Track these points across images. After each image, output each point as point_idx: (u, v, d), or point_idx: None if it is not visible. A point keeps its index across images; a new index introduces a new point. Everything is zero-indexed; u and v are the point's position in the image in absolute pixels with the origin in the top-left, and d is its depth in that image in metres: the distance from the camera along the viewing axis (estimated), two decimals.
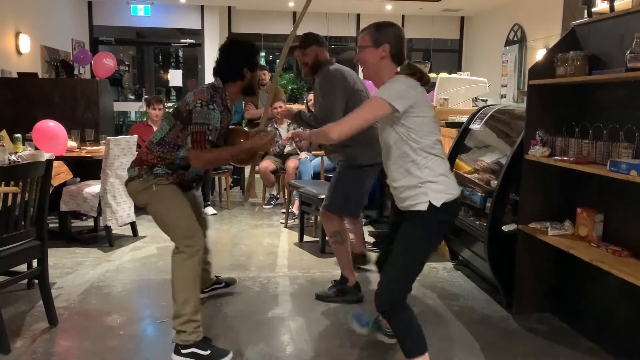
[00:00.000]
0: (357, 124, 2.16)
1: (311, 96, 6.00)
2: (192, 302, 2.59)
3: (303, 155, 5.69)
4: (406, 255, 2.22)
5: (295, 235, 4.90)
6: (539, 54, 7.84)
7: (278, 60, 12.71)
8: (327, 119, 3.07)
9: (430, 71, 7.59)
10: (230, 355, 2.62)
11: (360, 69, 2.48)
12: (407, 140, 2.18)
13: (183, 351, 2.57)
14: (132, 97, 11.17)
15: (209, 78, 8.29)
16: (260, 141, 2.77)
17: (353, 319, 2.81)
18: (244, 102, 6.96)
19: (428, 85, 2.32)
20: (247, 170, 6.97)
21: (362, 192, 3.46)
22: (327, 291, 3.46)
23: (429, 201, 2.16)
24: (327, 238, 3.46)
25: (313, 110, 3.60)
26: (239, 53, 2.79)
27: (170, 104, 7.69)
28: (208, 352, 2.57)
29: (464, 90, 5.69)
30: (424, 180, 2.18)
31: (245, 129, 3.07)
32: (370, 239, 4.79)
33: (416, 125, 2.16)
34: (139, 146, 5.49)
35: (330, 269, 4.01)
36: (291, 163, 5.69)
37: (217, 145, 2.75)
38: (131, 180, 2.76)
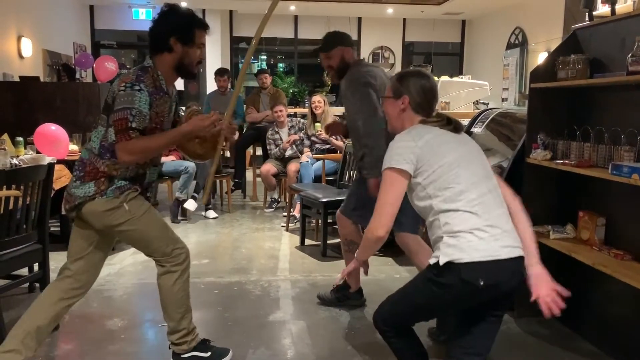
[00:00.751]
0: (389, 211, 1.91)
1: (317, 98, 5.98)
2: (188, 315, 2.53)
3: (304, 158, 5.69)
4: (403, 293, 2.03)
5: (296, 239, 4.90)
6: (540, 57, 7.85)
7: (281, 65, 12.74)
8: (370, 138, 2.86)
9: (431, 70, 7.60)
10: (231, 353, 2.62)
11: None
12: (422, 198, 1.94)
13: (183, 356, 2.54)
14: None
15: (210, 81, 8.31)
16: (200, 122, 2.36)
17: None
18: (245, 105, 6.98)
19: (459, 129, 2.06)
20: (250, 173, 6.99)
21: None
22: (329, 295, 3.43)
23: (439, 257, 1.83)
24: (342, 243, 3.33)
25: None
26: (167, 21, 2.33)
27: None
28: (208, 353, 2.56)
29: (465, 94, 5.70)
30: (441, 234, 1.87)
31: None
32: None
33: (428, 181, 1.90)
34: None
35: (331, 272, 4.01)
36: (292, 166, 5.69)
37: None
38: (90, 200, 2.24)
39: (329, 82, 10.48)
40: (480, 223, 1.83)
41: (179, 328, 2.49)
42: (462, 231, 1.83)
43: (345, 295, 3.37)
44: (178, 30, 2.31)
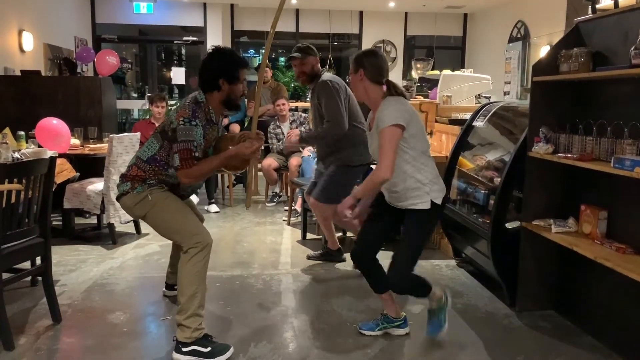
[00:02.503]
0: (392, 157, 2.49)
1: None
2: (199, 296, 2.60)
3: (306, 152, 5.68)
4: (414, 246, 2.66)
5: (298, 233, 4.90)
6: (543, 51, 7.82)
7: (282, 59, 12.72)
8: (338, 119, 3.62)
9: (433, 68, 7.60)
10: (231, 350, 2.63)
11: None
12: (405, 149, 2.55)
13: (184, 349, 2.56)
14: (135, 95, 11.18)
15: None
16: (245, 150, 2.73)
17: (363, 328, 2.93)
18: (246, 100, 6.96)
19: (409, 97, 2.69)
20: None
21: (351, 189, 3.55)
22: (316, 254, 4.19)
23: (431, 200, 2.59)
24: (319, 218, 4.03)
25: (312, 126, 3.96)
26: (216, 63, 2.75)
27: (172, 102, 7.69)
28: (209, 348, 2.57)
29: (467, 88, 5.68)
30: (425, 182, 2.59)
31: (233, 134, 3.10)
32: None
33: (410, 136, 2.54)
34: (141, 143, 5.51)
35: (333, 267, 4.02)
36: (294, 161, 5.69)
37: (205, 156, 2.78)
38: (124, 195, 2.75)
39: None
40: (437, 171, 2.67)
41: (188, 306, 2.57)
42: (434, 180, 2.61)
43: (328, 252, 4.12)
44: (225, 72, 2.72)
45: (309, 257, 4.20)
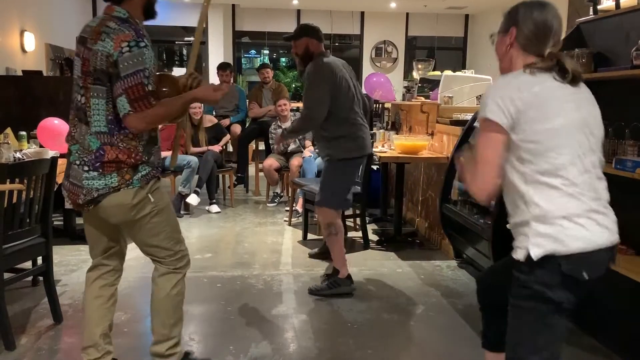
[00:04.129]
0: (492, 171, 1.61)
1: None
2: (181, 323, 2.36)
3: (307, 153, 5.69)
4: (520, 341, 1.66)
5: (299, 233, 4.90)
6: None
7: (284, 59, 12.71)
8: (310, 110, 3.32)
9: (434, 69, 7.58)
10: None
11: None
12: (515, 163, 1.61)
13: None
14: None
15: (213, 76, 8.30)
16: (208, 93, 2.17)
17: None
18: (247, 100, 6.97)
19: (577, 80, 1.65)
20: (252, 168, 7.00)
21: (352, 183, 3.61)
22: (320, 285, 3.52)
23: (527, 249, 1.56)
24: (323, 232, 3.62)
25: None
26: None
27: None
28: None
29: (469, 88, 5.67)
30: (528, 219, 1.59)
31: (172, 74, 2.54)
32: (374, 237, 4.78)
33: (530, 141, 1.55)
34: None
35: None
36: (295, 161, 5.69)
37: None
38: (114, 192, 2.05)
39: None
40: (581, 208, 1.56)
41: (171, 336, 2.31)
42: (559, 217, 1.54)
43: (336, 281, 3.49)
44: None
45: (310, 291, 3.54)
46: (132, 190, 2.09)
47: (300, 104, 9.00)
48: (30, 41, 7.07)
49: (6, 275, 2.74)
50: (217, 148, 5.98)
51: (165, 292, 2.28)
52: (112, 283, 2.38)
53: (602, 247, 1.58)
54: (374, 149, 4.70)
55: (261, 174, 6.29)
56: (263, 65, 7.02)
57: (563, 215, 1.54)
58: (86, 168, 2.05)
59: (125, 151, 2.05)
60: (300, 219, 5.04)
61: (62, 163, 4.24)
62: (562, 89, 1.61)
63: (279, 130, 6.04)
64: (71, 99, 2.14)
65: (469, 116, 4.29)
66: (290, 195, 5.51)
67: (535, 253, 1.53)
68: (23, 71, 6.51)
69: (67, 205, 4.44)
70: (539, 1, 1.75)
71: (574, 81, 1.63)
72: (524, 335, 1.62)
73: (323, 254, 4.13)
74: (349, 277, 3.51)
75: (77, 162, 2.08)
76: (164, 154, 5.60)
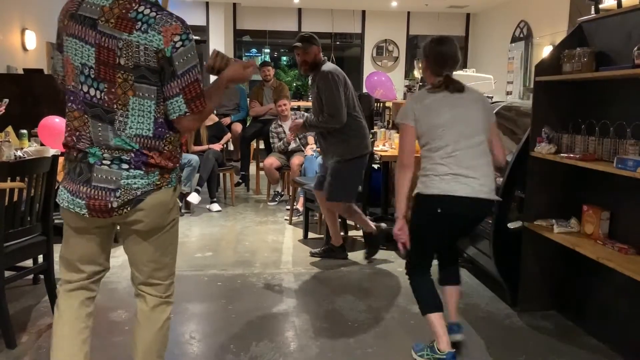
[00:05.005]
0: (407, 152, 2.53)
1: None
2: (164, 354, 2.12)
3: (308, 152, 5.68)
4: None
5: (299, 232, 4.90)
6: (545, 51, 7.81)
7: (285, 58, 12.71)
8: (337, 112, 3.67)
9: None
10: None
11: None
12: (421, 144, 2.56)
13: None
14: None
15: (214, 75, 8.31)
16: (239, 72, 1.98)
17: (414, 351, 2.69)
18: (248, 99, 6.96)
19: (461, 91, 2.54)
20: (253, 167, 6.99)
21: (361, 179, 4.05)
22: (319, 250, 4.19)
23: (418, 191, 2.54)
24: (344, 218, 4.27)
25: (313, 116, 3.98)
26: None
27: None
28: None
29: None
30: (419, 175, 2.56)
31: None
32: None
33: (424, 132, 2.51)
34: None
35: (335, 266, 4.02)
36: (296, 160, 5.69)
37: None
38: (156, 190, 1.84)
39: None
40: (446, 170, 2.44)
41: None
42: (431, 174, 2.47)
43: (331, 248, 4.15)
44: None
45: (312, 254, 4.22)
46: (171, 190, 1.89)
47: (301, 103, 9.03)
48: (31, 39, 7.07)
49: (7, 274, 2.74)
50: (217, 147, 5.98)
51: (160, 324, 2.01)
52: (92, 314, 2.02)
53: (458, 195, 2.42)
54: (375, 148, 4.71)
55: (262, 172, 6.29)
56: (264, 64, 7.01)
57: (434, 173, 2.46)
58: (126, 166, 1.78)
59: (167, 155, 1.85)
60: (301, 218, 5.04)
61: (63, 161, 4.25)
62: (446, 98, 2.51)
63: (280, 129, 6.04)
64: (68, 90, 1.83)
65: None
66: (291, 194, 5.51)
67: (416, 190, 2.55)
68: (24, 69, 6.50)
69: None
70: (439, 38, 2.61)
71: (458, 91, 2.53)
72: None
73: (325, 252, 4.19)
74: (342, 246, 4.18)
75: (107, 162, 1.78)
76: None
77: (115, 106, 1.75)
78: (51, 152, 3.88)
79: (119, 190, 1.78)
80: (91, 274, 1.98)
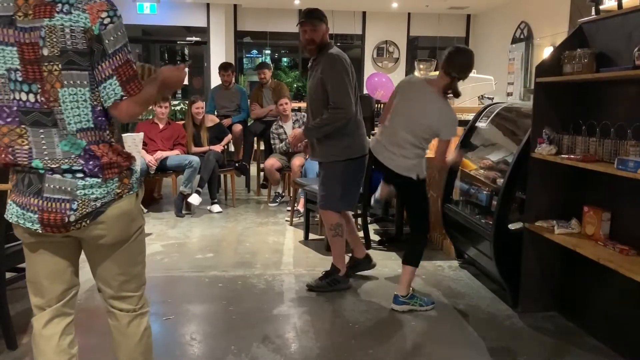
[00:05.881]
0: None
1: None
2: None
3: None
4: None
5: (300, 233, 4.90)
6: (546, 52, 7.81)
7: (285, 59, 12.72)
8: (345, 102, 3.20)
9: (436, 69, 7.57)
10: None
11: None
12: None
13: None
14: None
15: (215, 76, 8.30)
16: (173, 72, 1.84)
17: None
18: (249, 100, 6.96)
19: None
20: (254, 168, 7.00)
21: (359, 185, 3.53)
22: (319, 282, 3.55)
23: None
24: (328, 232, 3.60)
25: (307, 104, 3.51)
26: None
27: (175, 102, 7.68)
28: None
29: (470, 88, 5.68)
30: None
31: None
32: (376, 237, 4.78)
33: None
34: (144, 143, 5.50)
35: None
36: (297, 161, 5.69)
37: None
38: (117, 199, 1.68)
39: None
40: (382, 140, 3.21)
41: None
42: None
43: (335, 279, 3.54)
44: None
45: (309, 287, 3.55)
46: (133, 197, 1.73)
47: (302, 104, 9.02)
48: None
49: (8, 275, 2.75)
50: (218, 148, 5.98)
51: (138, 337, 1.89)
52: (74, 340, 1.87)
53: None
54: None
55: (262, 173, 6.29)
56: (260, 66, 7.02)
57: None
58: (80, 175, 1.62)
59: (117, 149, 1.69)
60: (302, 219, 5.04)
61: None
62: (414, 90, 3.24)
63: (281, 130, 6.04)
64: None
65: (470, 116, 4.29)
66: (291, 195, 5.51)
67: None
68: None
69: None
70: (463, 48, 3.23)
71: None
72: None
73: (352, 267, 3.69)
74: (346, 274, 3.58)
75: (59, 171, 1.62)
76: (165, 153, 5.65)
77: (51, 104, 1.57)
78: None
79: (76, 202, 1.61)
80: (61, 294, 1.79)
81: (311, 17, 3.27)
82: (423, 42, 11.47)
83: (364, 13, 10.87)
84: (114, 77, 1.58)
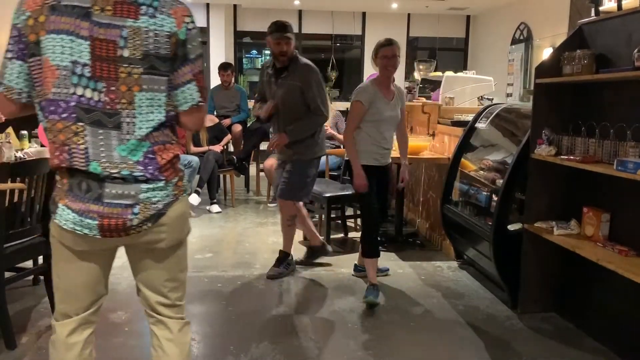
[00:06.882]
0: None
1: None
2: None
3: None
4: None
5: (299, 233, 4.89)
6: (545, 53, 7.81)
7: None
8: (325, 107, 3.60)
9: (435, 70, 7.58)
10: None
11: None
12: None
13: None
14: None
15: (215, 76, 8.31)
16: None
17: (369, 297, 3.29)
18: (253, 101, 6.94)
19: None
20: (253, 168, 6.99)
21: (314, 180, 3.88)
22: (303, 259, 4.03)
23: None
24: (284, 222, 3.93)
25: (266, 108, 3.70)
26: None
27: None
28: None
29: (470, 89, 5.67)
30: None
31: None
32: None
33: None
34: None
35: (335, 267, 4.01)
36: None
37: None
38: (175, 201, 1.64)
39: (332, 77, 10.46)
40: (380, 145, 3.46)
41: None
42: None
43: (312, 250, 4.03)
44: None
45: (297, 263, 4.01)
46: (186, 199, 1.69)
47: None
48: None
49: (7, 274, 2.74)
50: (218, 148, 5.98)
51: (188, 346, 1.82)
52: (93, 350, 1.80)
53: (382, 164, 3.52)
54: None
55: (262, 173, 6.28)
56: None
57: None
58: (143, 179, 1.56)
59: (175, 153, 1.64)
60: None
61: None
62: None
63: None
64: (45, 101, 1.51)
65: (470, 117, 4.29)
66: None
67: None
68: None
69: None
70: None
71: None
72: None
73: (310, 257, 4.09)
74: (323, 244, 4.05)
75: (119, 177, 1.54)
76: None
77: (118, 106, 1.51)
78: None
79: (137, 206, 1.56)
80: (91, 303, 1.74)
81: (287, 31, 3.54)
82: (423, 43, 11.48)
83: (364, 14, 10.88)
84: (193, 83, 1.58)
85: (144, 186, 1.56)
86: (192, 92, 1.58)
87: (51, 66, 1.48)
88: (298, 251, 4.44)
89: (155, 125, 1.56)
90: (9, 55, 1.52)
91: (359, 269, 3.82)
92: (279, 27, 3.52)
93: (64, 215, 1.58)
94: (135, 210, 1.56)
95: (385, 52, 3.42)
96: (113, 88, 1.50)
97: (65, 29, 1.47)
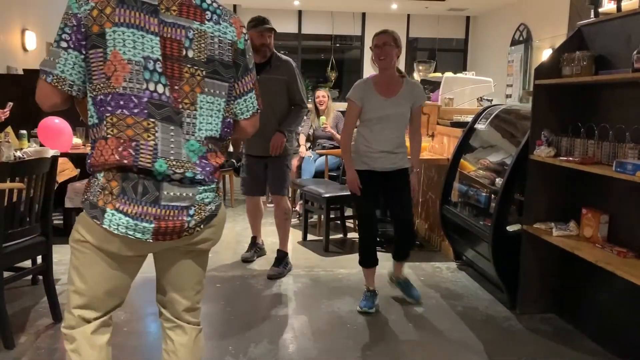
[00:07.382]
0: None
1: (321, 93, 5.99)
2: None
3: (307, 153, 5.67)
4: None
5: (298, 234, 4.90)
6: (545, 54, 7.82)
7: None
8: (306, 101, 3.81)
9: (435, 70, 7.59)
10: None
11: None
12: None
13: None
14: None
15: None
16: None
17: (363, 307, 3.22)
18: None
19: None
20: None
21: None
22: (278, 269, 3.85)
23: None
24: (282, 216, 4.04)
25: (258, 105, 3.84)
26: None
27: None
28: None
29: (469, 90, 5.67)
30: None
31: None
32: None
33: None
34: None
35: (334, 267, 4.02)
36: (295, 161, 5.67)
37: None
38: (218, 208, 1.66)
39: (331, 77, 10.46)
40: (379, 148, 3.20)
41: None
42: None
43: (288, 261, 3.95)
44: None
45: (243, 260, 4.15)
46: (221, 201, 1.71)
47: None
48: (31, 40, 7.07)
49: (6, 274, 2.74)
50: None
51: (203, 353, 1.82)
52: (110, 350, 1.75)
53: (377, 169, 3.19)
54: None
55: None
56: None
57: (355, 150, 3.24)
58: (200, 178, 1.56)
59: (222, 157, 1.66)
60: (300, 220, 5.04)
61: (62, 162, 4.25)
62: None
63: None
64: (114, 94, 1.46)
65: (469, 118, 4.29)
66: (289, 196, 5.50)
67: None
68: (24, 70, 6.51)
69: (67, 204, 4.43)
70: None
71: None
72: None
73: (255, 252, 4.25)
74: (287, 254, 4.03)
75: (178, 177, 1.52)
76: None
77: (181, 106, 1.51)
78: (51, 152, 3.88)
79: (193, 208, 1.55)
80: (114, 307, 1.69)
81: (269, 24, 3.68)
82: (422, 44, 11.49)
83: (364, 14, 10.89)
84: (253, 91, 1.67)
85: (201, 187, 1.57)
86: (253, 100, 1.68)
87: (122, 60, 1.45)
88: (297, 251, 4.45)
89: (213, 129, 1.58)
90: (64, 45, 1.47)
91: (394, 280, 3.52)
92: (261, 21, 3.69)
93: (115, 220, 1.49)
94: (191, 212, 1.55)
95: (376, 41, 3.15)
96: (177, 87, 1.51)
97: (135, 23, 1.46)
